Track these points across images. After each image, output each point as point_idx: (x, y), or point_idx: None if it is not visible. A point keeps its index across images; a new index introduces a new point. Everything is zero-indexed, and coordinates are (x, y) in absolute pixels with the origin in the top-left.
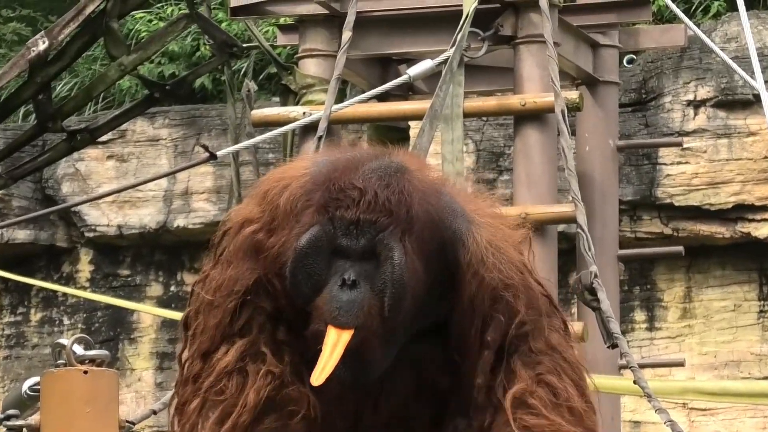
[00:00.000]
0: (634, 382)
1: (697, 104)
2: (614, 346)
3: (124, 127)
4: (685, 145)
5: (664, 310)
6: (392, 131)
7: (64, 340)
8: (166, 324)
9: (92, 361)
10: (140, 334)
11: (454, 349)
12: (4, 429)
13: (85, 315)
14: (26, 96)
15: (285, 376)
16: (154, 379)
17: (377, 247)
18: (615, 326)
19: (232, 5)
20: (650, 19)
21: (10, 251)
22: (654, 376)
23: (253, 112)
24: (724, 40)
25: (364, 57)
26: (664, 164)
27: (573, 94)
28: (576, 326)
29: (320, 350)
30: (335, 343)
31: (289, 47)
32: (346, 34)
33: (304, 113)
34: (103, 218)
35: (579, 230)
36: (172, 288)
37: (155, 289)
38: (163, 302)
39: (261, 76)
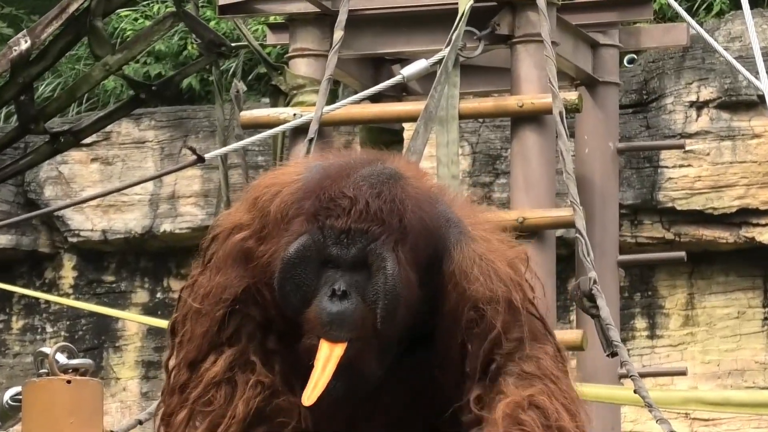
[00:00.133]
0: (635, 392)
1: (699, 105)
2: (614, 354)
3: (108, 128)
4: (687, 148)
5: (665, 317)
6: (385, 133)
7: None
8: (152, 332)
9: (76, 370)
10: (125, 342)
11: (438, 363)
12: None
13: (68, 322)
14: (8, 97)
15: (275, 386)
16: (139, 388)
17: (369, 257)
18: (615, 334)
19: (220, 3)
20: (651, 17)
21: None
22: (655, 385)
23: (242, 113)
24: (728, 39)
25: (357, 57)
26: (666, 167)
27: (572, 95)
28: (575, 334)
29: (312, 366)
30: (327, 359)
31: (279, 47)
32: (338, 33)
33: (294, 115)
34: (87, 223)
35: (578, 235)
36: (159, 295)
37: (141, 296)
38: (149, 310)
39: (250, 77)
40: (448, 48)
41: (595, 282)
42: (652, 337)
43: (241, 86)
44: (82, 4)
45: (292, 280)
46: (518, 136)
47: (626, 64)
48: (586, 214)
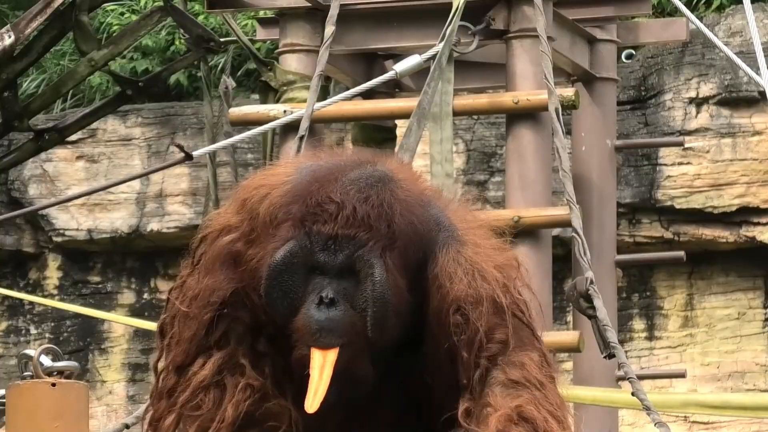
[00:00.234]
0: (633, 395)
1: (699, 102)
2: (611, 356)
3: (94, 126)
4: (686, 145)
5: (664, 318)
6: (378, 131)
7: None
8: (139, 334)
9: (61, 372)
10: (111, 344)
11: (426, 368)
12: None
13: (53, 324)
14: None
15: (266, 390)
16: (126, 391)
17: (356, 264)
18: (612, 335)
19: None
20: (650, 12)
21: None
22: (654, 388)
23: (231, 110)
24: (728, 34)
25: (349, 52)
26: (665, 165)
27: (569, 92)
28: (571, 335)
29: (308, 375)
30: (322, 366)
31: (269, 42)
32: (329, 28)
33: (284, 111)
34: (72, 222)
35: (574, 234)
36: (146, 296)
37: (127, 297)
38: (136, 311)
39: (239, 73)
40: (442, 43)
41: (591, 282)
42: (650, 338)
43: (230, 82)
44: None
45: (279, 287)
46: (514, 133)
47: (624, 60)
48: (583, 213)
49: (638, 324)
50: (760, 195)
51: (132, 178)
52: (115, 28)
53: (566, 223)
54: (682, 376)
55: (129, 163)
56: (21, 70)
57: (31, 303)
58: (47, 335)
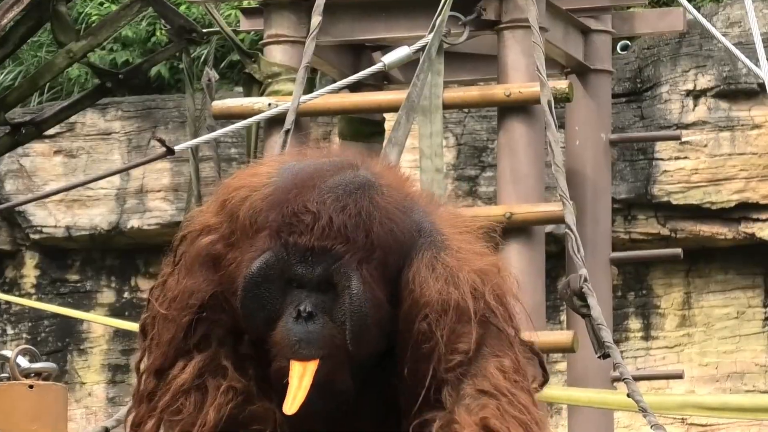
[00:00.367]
0: (629, 396)
1: (696, 94)
2: (606, 356)
3: (72, 119)
4: (683, 139)
5: (661, 317)
6: (366, 124)
7: (7, 352)
8: (119, 334)
9: (38, 374)
10: (90, 344)
11: (398, 376)
12: None
13: (30, 324)
14: None
15: (249, 392)
16: (105, 393)
17: (334, 277)
18: (607, 335)
19: None
20: (646, 2)
21: None
22: (650, 389)
23: (214, 103)
24: (726, 24)
25: (335, 43)
26: (661, 159)
27: (562, 84)
28: (565, 335)
29: (287, 383)
30: (302, 374)
31: (253, 33)
32: (316, 19)
33: (269, 104)
34: (50, 219)
35: (567, 231)
36: (126, 295)
37: (107, 296)
38: (116, 311)
39: (222, 64)
40: (432, 34)
41: (585, 280)
42: (646, 338)
43: (213, 74)
44: None
45: (256, 299)
46: (505, 127)
47: (619, 51)
48: (576, 209)
49: (634, 323)
50: (760, 190)
51: (112, 173)
52: (94, 18)
53: (559, 220)
54: (680, 376)
55: (109, 158)
56: None
57: (7, 302)
58: (24, 335)
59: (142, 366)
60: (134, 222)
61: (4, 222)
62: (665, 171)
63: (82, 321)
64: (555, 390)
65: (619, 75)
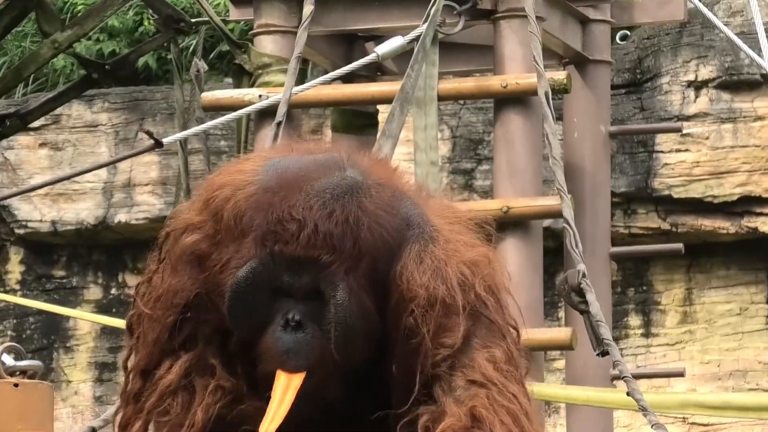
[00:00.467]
0: (628, 395)
1: (698, 85)
2: (605, 353)
3: (58, 111)
4: (684, 131)
5: (661, 314)
6: (359, 116)
7: None
8: (106, 331)
9: (24, 372)
10: (77, 342)
11: (389, 373)
12: None
13: (15, 321)
14: None
15: (238, 390)
16: (92, 392)
17: (321, 286)
18: (606, 331)
19: None
20: None
21: None
22: (650, 387)
23: (203, 94)
24: (728, 14)
25: (327, 33)
26: (662, 152)
27: (560, 75)
28: (563, 332)
29: (269, 397)
30: (285, 389)
31: (242, 22)
32: (308, 8)
33: (260, 96)
34: (35, 213)
35: (565, 225)
36: (113, 291)
37: (94, 293)
38: (103, 307)
39: (212, 55)
40: (426, 24)
41: (584, 275)
42: (647, 335)
43: (202, 65)
44: None
45: (243, 306)
46: (502, 119)
47: (619, 41)
48: (575, 203)
49: (634, 320)
50: (763, 184)
51: (98, 166)
52: (79, 7)
53: (557, 214)
54: (681, 375)
55: (95, 151)
56: None
57: None
58: (9, 333)
59: (129, 365)
60: (121, 216)
61: None
62: (666, 164)
63: (68, 318)
64: (553, 388)
65: (618, 66)
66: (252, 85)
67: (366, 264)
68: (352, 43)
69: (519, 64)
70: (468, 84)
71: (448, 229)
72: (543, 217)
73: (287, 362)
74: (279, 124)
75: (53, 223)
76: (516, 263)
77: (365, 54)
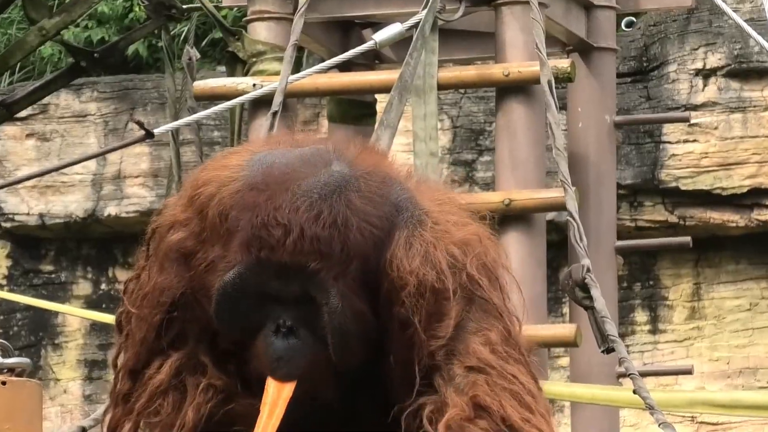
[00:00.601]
0: (635, 393)
1: (706, 74)
2: (610, 350)
3: (45, 100)
4: (692, 121)
5: (669, 309)
6: (356, 106)
7: None
8: (96, 328)
9: (11, 370)
10: (66, 339)
11: (388, 365)
12: None
13: (1, 317)
14: None
15: (230, 389)
16: (82, 390)
17: (311, 291)
18: (611, 328)
19: None
20: None
21: None
22: (657, 385)
23: (196, 83)
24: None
25: (323, 20)
26: (669, 143)
27: (563, 63)
28: (568, 329)
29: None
30: (275, 401)
31: (236, 9)
32: None
33: (254, 85)
34: (22, 206)
35: (569, 218)
36: (103, 286)
37: (83, 288)
38: (92, 303)
39: (204, 43)
40: (425, 10)
41: (588, 270)
42: (654, 331)
43: (194, 53)
44: None
45: (232, 312)
46: (504, 108)
47: (624, 28)
48: (579, 195)
49: (640, 316)
50: None
51: (87, 157)
52: None
53: (561, 207)
54: (689, 372)
55: (84, 142)
56: None
57: None
58: None
59: (119, 363)
60: (111, 209)
61: None
62: (673, 155)
63: (56, 314)
64: (557, 386)
65: (624, 53)
66: (246, 74)
67: (356, 266)
68: (349, 31)
69: (521, 51)
70: (469, 72)
71: (438, 210)
72: (546, 210)
73: (278, 370)
74: (275, 114)
75: (41, 216)
76: (518, 257)
77: (363, 41)
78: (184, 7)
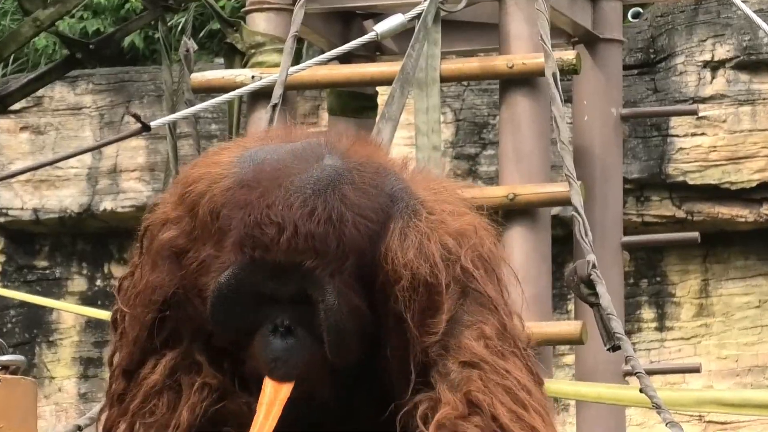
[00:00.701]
0: (641, 391)
1: (714, 66)
2: (616, 348)
3: (40, 93)
4: (700, 114)
5: (676, 306)
6: (357, 99)
7: None
8: (91, 324)
9: (5, 367)
10: (60, 336)
11: (385, 361)
12: None
13: None
14: None
15: (225, 388)
16: (77, 389)
17: (308, 290)
18: (617, 325)
19: None
20: None
21: None
22: (665, 384)
23: (193, 75)
24: None
25: (324, 11)
26: (677, 136)
27: (569, 55)
28: (573, 326)
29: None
30: (272, 402)
31: None
32: None
33: (252, 77)
34: (16, 200)
35: (574, 213)
36: (98, 282)
37: (78, 284)
38: (88, 299)
39: (201, 34)
40: (428, 1)
41: (594, 266)
42: (661, 329)
43: (192, 45)
44: None
45: (228, 313)
46: (508, 101)
47: (631, 19)
48: (585, 190)
49: (647, 313)
50: None
51: (83, 151)
52: None
53: (566, 201)
54: (697, 370)
55: (79, 135)
56: None
57: None
58: None
59: (114, 362)
60: (107, 204)
61: None
62: (681, 148)
63: (51, 310)
64: (562, 385)
65: (630, 45)
66: (244, 66)
67: (352, 262)
68: (349, 21)
69: (526, 43)
70: (472, 64)
71: (434, 199)
72: (551, 205)
73: (275, 371)
74: (275, 106)
75: (35, 210)
76: (523, 253)
77: (364, 33)
78: None
